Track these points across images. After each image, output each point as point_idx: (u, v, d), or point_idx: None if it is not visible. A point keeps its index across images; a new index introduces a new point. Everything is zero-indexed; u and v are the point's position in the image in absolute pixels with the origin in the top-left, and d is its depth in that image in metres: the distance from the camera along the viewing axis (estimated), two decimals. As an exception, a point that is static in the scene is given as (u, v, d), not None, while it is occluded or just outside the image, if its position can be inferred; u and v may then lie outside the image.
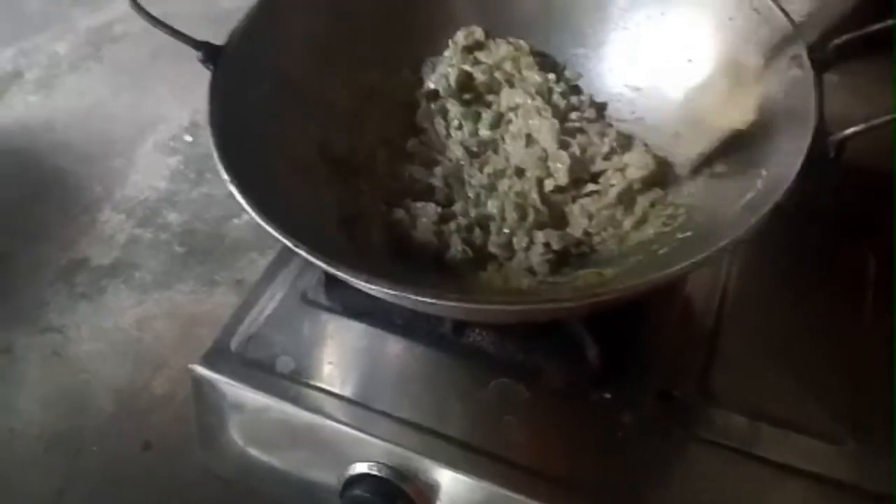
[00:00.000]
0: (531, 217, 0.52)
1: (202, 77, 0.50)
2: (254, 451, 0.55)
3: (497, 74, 0.59)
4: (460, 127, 0.59)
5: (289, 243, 0.41)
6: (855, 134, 0.42)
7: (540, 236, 0.51)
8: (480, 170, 0.56)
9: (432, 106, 0.59)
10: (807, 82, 0.46)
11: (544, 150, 0.55)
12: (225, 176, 0.44)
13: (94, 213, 1.13)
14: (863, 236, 0.57)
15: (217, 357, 0.54)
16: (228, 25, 0.53)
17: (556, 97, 0.58)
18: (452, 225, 0.53)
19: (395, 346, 0.54)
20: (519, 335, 0.52)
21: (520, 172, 0.55)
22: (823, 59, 0.48)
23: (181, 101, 1.26)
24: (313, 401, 0.51)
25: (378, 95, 0.59)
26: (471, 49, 0.60)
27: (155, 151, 1.20)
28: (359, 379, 0.53)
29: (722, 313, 0.54)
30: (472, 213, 0.54)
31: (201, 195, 1.12)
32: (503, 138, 0.58)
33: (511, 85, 0.59)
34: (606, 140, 0.55)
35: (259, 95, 0.53)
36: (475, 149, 0.57)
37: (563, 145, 0.55)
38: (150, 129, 1.24)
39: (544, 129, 0.55)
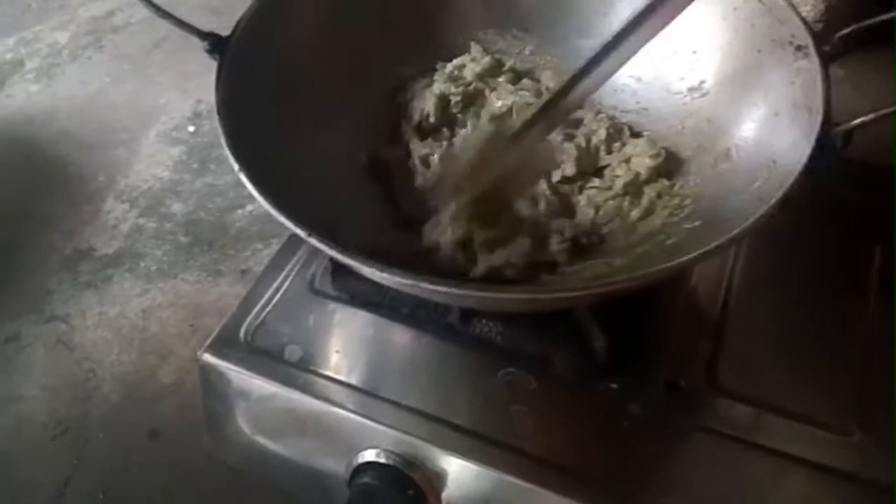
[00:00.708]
0: (543, 207, 0.53)
1: (204, 66, 0.50)
2: (261, 440, 0.56)
3: (476, 86, 0.60)
4: (464, 125, 0.59)
5: (301, 232, 0.41)
6: (862, 124, 0.42)
7: (553, 225, 0.51)
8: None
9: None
10: (813, 73, 0.46)
11: (549, 142, 0.55)
12: (235, 165, 0.44)
13: (98, 202, 1.12)
14: (869, 227, 0.58)
15: (225, 345, 0.55)
16: (230, 15, 0.53)
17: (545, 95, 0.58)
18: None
19: (402, 335, 0.54)
20: (527, 325, 0.52)
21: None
22: (829, 49, 0.48)
23: (183, 90, 1.25)
24: (321, 389, 0.52)
25: (376, 87, 0.60)
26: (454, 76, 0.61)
27: (158, 141, 1.20)
28: (366, 367, 0.53)
29: (728, 304, 0.54)
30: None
31: (205, 185, 1.12)
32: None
33: (493, 89, 0.60)
34: (604, 129, 0.55)
35: (265, 85, 0.53)
36: None
37: (568, 137, 0.55)
38: (152, 119, 1.24)
39: None
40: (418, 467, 0.49)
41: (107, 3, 1.49)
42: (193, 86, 1.24)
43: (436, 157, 0.56)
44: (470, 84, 0.60)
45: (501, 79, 0.61)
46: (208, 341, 0.55)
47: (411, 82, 0.61)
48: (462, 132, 0.59)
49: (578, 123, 0.57)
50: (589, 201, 0.54)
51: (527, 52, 0.63)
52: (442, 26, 0.63)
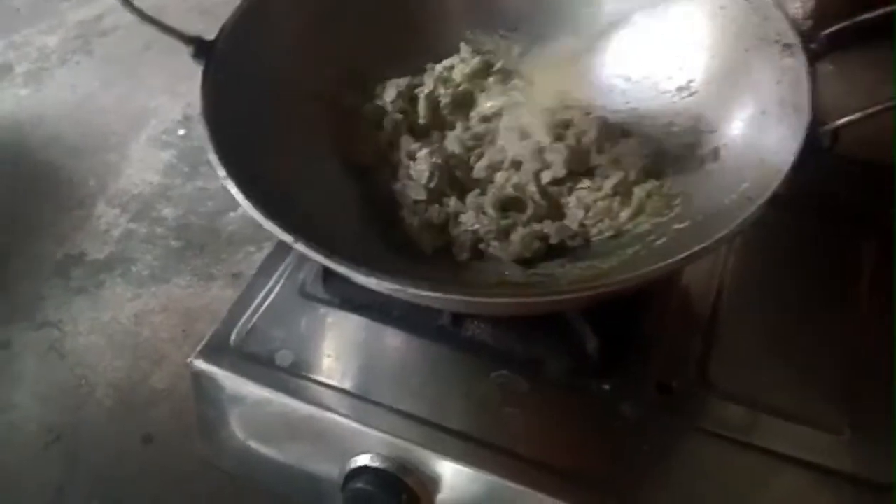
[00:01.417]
0: (530, 209, 0.53)
1: (194, 69, 0.50)
2: (255, 445, 0.55)
3: (465, 87, 0.60)
4: (453, 127, 0.59)
5: (287, 239, 0.41)
6: (849, 123, 0.42)
7: (538, 228, 0.51)
8: (476, 162, 0.56)
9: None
10: (800, 71, 0.46)
11: (538, 143, 0.55)
12: (221, 172, 0.44)
13: (89, 207, 1.12)
14: (858, 225, 0.58)
15: (216, 351, 0.54)
16: (219, 18, 0.52)
17: None
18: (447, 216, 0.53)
19: (393, 339, 0.54)
20: (518, 327, 0.52)
21: (517, 165, 0.55)
22: (817, 47, 0.48)
23: (173, 93, 1.25)
24: (313, 394, 0.52)
25: (363, 89, 0.59)
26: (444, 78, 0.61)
27: (148, 145, 1.20)
28: (358, 372, 0.53)
29: (720, 303, 0.54)
30: (470, 205, 0.54)
31: (196, 189, 1.12)
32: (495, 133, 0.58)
33: (483, 90, 0.60)
34: (595, 129, 0.55)
35: (252, 89, 0.53)
36: (470, 143, 0.57)
37: (558, 137, 0.55)
38: (142, 123, 1.24)
39: (535, 124, 0.55)
40: (412, 471, 0.49)
41: (95, 6, 1.49)
42: (184, 89, 1.23)
43: (424, 153, 0.56)
44: (459, 85, 0.60)
45: (491, 80, 0.61)
46: (199, 347, 0.55)
47: (389, 83, 0.60)
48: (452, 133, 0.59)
49: (568, 124, 0.57)
50: (579, 202, 0.54)
51: (515, 52, 0.63)
52: (429, 27, 0.62)
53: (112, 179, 1.16)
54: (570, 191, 0.55)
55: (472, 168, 0.56)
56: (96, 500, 0.80)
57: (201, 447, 0.58)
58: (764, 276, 0.57)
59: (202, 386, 0.55)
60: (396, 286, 0.40)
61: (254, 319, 0.56)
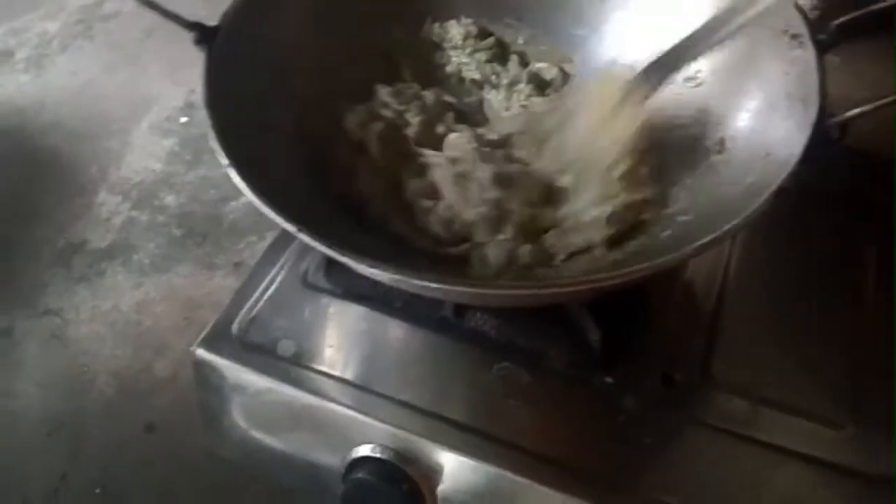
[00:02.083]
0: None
1: (197, 56, 0.50)
2: (257, 434, 0.55)
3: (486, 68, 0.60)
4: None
5: (291, 228, 0.41)
6: (858, 115, 0.42)
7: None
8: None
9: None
10: (809, 63, 0.46)
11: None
12: (224, 160, 0.44)
13: (90, 194, 1.12)
14: (864, 219, 0.58)
15: (218, 340, 0.54)
16: (221, 4, 0.52)
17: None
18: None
19: (396, 330, 0.54)
20: (521, 319, 0.52)
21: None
22: (825, 39, 0.47)
23: (175, 80, 1.25)
24: (315, 384, 0.51)
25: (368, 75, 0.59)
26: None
27: (150, 132, 1.20)
28: (360, 362, 0.53)
29: (723, 297, 0.54)
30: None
31: (198, 177, 1.11)
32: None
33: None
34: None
35: (255, 76, 0.52)
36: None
37: None
38: (144, 109, 1.23)
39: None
40: (413, 462, 0.49)
41: (97, -9, 1.48)
42: (186, 75, 1.22)
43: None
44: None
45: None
46: (201, 336, 0.55)
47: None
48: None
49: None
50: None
51: (520, 41, 0.63)
52: (434, 18, 0.62)
53: (114, 167, 1.15)
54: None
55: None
56: (99, 488, 0.81)
57: (204, 436, 0.58)
58: (768, 270, 0.57)
59: (204, 375, 0.55)
60: (399, 276, 0.40)
61: (256, 309, 0.56)
